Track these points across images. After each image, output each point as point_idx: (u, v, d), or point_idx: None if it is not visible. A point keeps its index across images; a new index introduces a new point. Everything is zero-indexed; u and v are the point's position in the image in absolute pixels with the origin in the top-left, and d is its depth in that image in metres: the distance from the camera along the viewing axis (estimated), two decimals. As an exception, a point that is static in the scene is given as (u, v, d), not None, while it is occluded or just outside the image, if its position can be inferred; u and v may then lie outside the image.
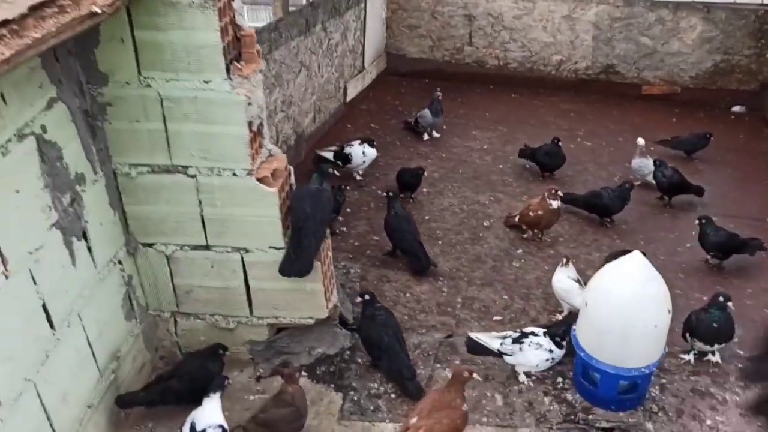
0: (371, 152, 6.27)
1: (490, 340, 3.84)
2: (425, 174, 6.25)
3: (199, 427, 3.24)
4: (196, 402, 3.49)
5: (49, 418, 3.06)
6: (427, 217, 5.83)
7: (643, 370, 3.38)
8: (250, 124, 3.36)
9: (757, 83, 9.10)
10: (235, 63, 3.28)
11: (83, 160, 3.28)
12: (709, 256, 5.33)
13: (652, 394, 3.67)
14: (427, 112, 7.40)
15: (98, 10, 2.55)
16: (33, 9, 2.34)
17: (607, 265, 3.47)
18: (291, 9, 5.99)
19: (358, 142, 6.33)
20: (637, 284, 3.24)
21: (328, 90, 7.36)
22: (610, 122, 8.53)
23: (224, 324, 3.93)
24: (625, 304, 3.23)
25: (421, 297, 4.80)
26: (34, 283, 2.94)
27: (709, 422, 3.54)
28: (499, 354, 3.82)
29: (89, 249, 3.35)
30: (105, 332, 3.51)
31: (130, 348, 3.76)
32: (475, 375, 3.25)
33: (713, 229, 5.19)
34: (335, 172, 3.89)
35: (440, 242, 5.51)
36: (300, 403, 3.42)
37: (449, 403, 3.21)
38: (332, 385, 3.89)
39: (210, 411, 3.31)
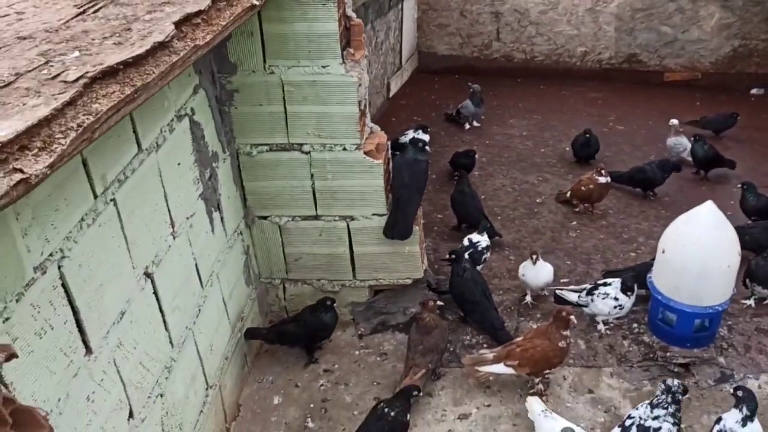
0: (424, 137, 6.70)
1: (569, 294, 4.28)
2: (472, 158, 6.68)
3: (474, 240, 4.85)
4: (307, 345, 4.18)
5: (202, 364, 3.51)
6: (483, 197, 6.23)
7: (716, 307, 3.81)
8: (359, 103, 3.80)
9: (775, 66, 9.55)
10: (348, 49, 3.73)
11: (216, 140, 3.72)
12: (750, 221, 5.75)
13: (721, 334, 4.09)
14: (468, 102, 7.85)
15: (256, 2, 3.00)
16: (213, 1, 2.80)
17: (682, 215, 3.90)
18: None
19: (412, 130, 6.78)
20: (712, 228, 3.69)
21: (375, 86, 7.82)
22: (637, 108, 8.96)
23: (329, 288, 4.36)
24: (702, 246, 3.67)
25: (491, 265, 5.21)
26: (190, 245, 3.39)
27: (774, 354, 3.98)
28: (578, 305, 4.25)
29: (222, 219, 3.80)
30: (234, 294, 3.95)
31: (249, 311, 4.20)
32: (572, 318, 3.68)
33: (754, 194, 5.61)
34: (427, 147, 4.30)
35: (499, 217, 5.93)
36: (441, 323, 4.01)
37: (548, 336, 3.68)
38: (425, 340, 4.31)
39: (480, 236, 4.87)
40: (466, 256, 4.67)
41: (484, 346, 4.22)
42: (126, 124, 2.78)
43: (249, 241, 4.21)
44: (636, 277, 4.27)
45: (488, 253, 4.95)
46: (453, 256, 4.42)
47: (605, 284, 4.19)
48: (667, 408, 3.28)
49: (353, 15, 3.82)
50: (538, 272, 4.52)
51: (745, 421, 3.11)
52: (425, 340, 3.87)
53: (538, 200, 6.27)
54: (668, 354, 3.98)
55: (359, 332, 4.39)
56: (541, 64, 10.06)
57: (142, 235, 2.91)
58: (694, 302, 3.81)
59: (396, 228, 4.06)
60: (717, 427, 3.21)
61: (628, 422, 3.35)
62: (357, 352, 4.28)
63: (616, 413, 3.74)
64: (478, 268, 4.76)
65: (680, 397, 3.29)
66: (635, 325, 4.25)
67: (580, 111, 8.83)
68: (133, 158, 2.82)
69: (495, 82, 9.71)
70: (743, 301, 4.39)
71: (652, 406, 3.31)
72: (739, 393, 3.24)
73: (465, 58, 10.17)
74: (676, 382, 3.33)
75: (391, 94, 8.60)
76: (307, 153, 3.93)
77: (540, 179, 6.72)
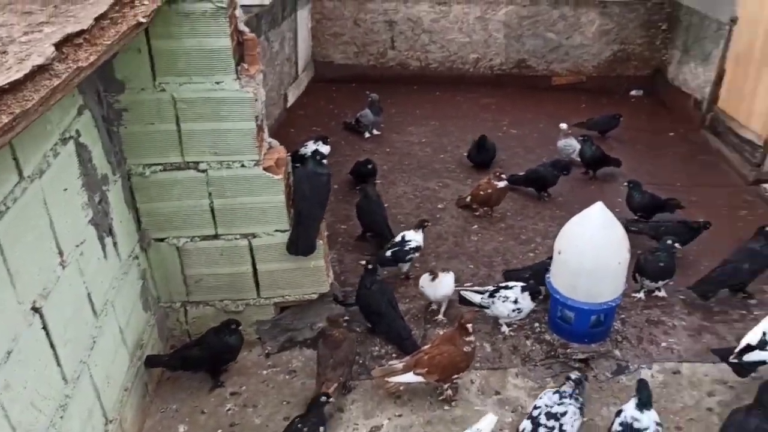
0: (325, 149, 6.70)
1: (474, 295, 4.36)
2: (372, 166, 6.70)
3: (407, 237, 5.06)
4: (212, 369, 4.05)
5: (99, 398, 3.34)
6: (386, 205, 6.28)
7: (610, 303, 4.00)
8: (256, 118, 3.74)
9: (651, 69, 10.16)
10: (242, 64, 3.66)
11: (105, 162, 3.55)
12: (636, 216, 6.09)
13: (616, 327, 4.30)
14: (368, 111, 7.90)
15: (143, 19, 2.89)
16: (96, 20, 2.67)
17: (575, 216, 4.07)
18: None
19: (312, 141, 6.75)
20: (602, 228, 3.87)
21: (272, 97, 7.72)
22: (528, 112, 9.30)
23: (233, 308, 4.25)
24: (594, 245, 3.84)
25: (398, 273, 5.27)
26: (81, 274, 3.22)
27: (664, 344, 4.21)
28: (482, 307, 4.34)
29: (115, 244, 3.63)
30: (131, 322, 3.78)
31: (149, 338, 4.03)
32: (468, 326, 3.75)
33: (639, 192, 5.95)
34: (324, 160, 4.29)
35: (402, 225, 5.96)
36: (348, 335, 4.00)
37: (454, 342, 3.75)
38: (335, 354, 4.28)
39: (417, 235, 5.09)
40: (388, 254, 4.96)
41: (393, 356, 4.25)
42: (5, 151, 2.60)
43: (146, 265, 4.04)
44: (534, 276, 4.43)
45: (416, 254, 5.09)
46: (369, 266, 4.40)
47: (506, 287, 4.31)
48: (571, 395, 3.50)
49: (246, 29, 3.75)
50: (436, 287, 4.55)
51: (641, 408, 3.29)
52: (335, 354, 3.84)
53: (439, 206, 6.38)
54: (568, 350, 4.14)
55: (266, 351, 4.31)
56: (436, 71, 10.27)
57: (28, 267, 2.73)
58: (589, 299, 3.98)
59: (299, 243, 4.02)
60: (618, 420, 3.36)
61: (535, 412, 3.51)
62: (264, 372, 4.20)
63: (522, 412, 3.84)
64: (406, 267, 5.06)
65: (584, 383, 3.60)
66: (537, 324, 4.40)
67: (475, 116, 9.07)
68: (14, 187, 2.64)
69: (392, 89, 9.81)
70: (634, 295, 4.63)
71: (560, 395, 3.51)
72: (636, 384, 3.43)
73: (361, 67, 10.23)
74: (576, 374, 3.59)
75: (288, 105, 8.53)
76: (204, 171, 3.82)
77: (440, 185, 6.85)
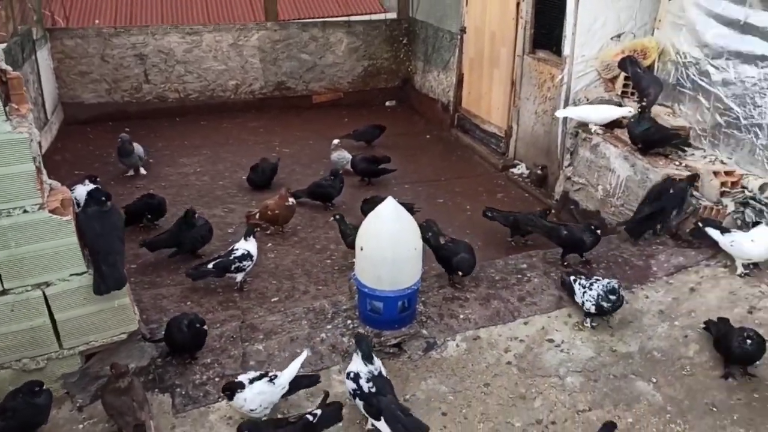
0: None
1: None
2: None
3: (235, 246, 5.31)
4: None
5: None
6: (174, 238, 6.16)
7: (413, 287, 4.35)
8: (34, 159, 3.51)
9: (399, 80, 11.08)
10: (10, 104, 3.42)
11: None
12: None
13: (420, 309, 4.67)
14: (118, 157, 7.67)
15: None
16: None
17: (370, 214, 4.35)
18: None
19: (81, 183, 6.36)
20: (396, 219, 4.19)
21: (24, 144, 7.14)
22: (296, 130, 9.66)
23: (33, 366, 3.91)
24: (391, 236, 4.15)
25: (201, 302, 5.20)
26: None
27: (462, 316, 4.66)
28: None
29: None
30: None
31: (-64, 419, 3.57)
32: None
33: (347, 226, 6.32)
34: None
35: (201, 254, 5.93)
36: (130, 375, 3.80)
37: None
38: (156, 390, 4.10)
39: (247, 243, 5.29)
40: (210, 266, 5.22)
41: (216, 380, 4.20)
42: None
43: None
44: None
45: (248, 263, 5.27)
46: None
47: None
48: None
49: (9, 68, 3.52)
50: None
51: (366, 362, 3.70)
52: (134, 396, 3.68)
53: (230, 230, 6.41)
54: (382, 339, 4.41)
55: (77, 404, 4.00)
56: (197, 101, 10.21)
57: None
58: (394, 287, 4.28)
59: (108, 280, 3.82)
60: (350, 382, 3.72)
61: None
62: (80, 426, 3.89)
63: (350, 404, 4.02)
64: (239, 277, 5.29)
65: None
66: (350, 321, 4.62)
67: (246, 140, 9.20)
68: None
69: (153, 123, 9.63)
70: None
71: None
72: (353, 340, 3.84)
73: (116, 104, 9.84)
74: None
75: (42, 152, 7.91)
76: (-20, 223, 3.50)
77: (226, 210, 6.86)
